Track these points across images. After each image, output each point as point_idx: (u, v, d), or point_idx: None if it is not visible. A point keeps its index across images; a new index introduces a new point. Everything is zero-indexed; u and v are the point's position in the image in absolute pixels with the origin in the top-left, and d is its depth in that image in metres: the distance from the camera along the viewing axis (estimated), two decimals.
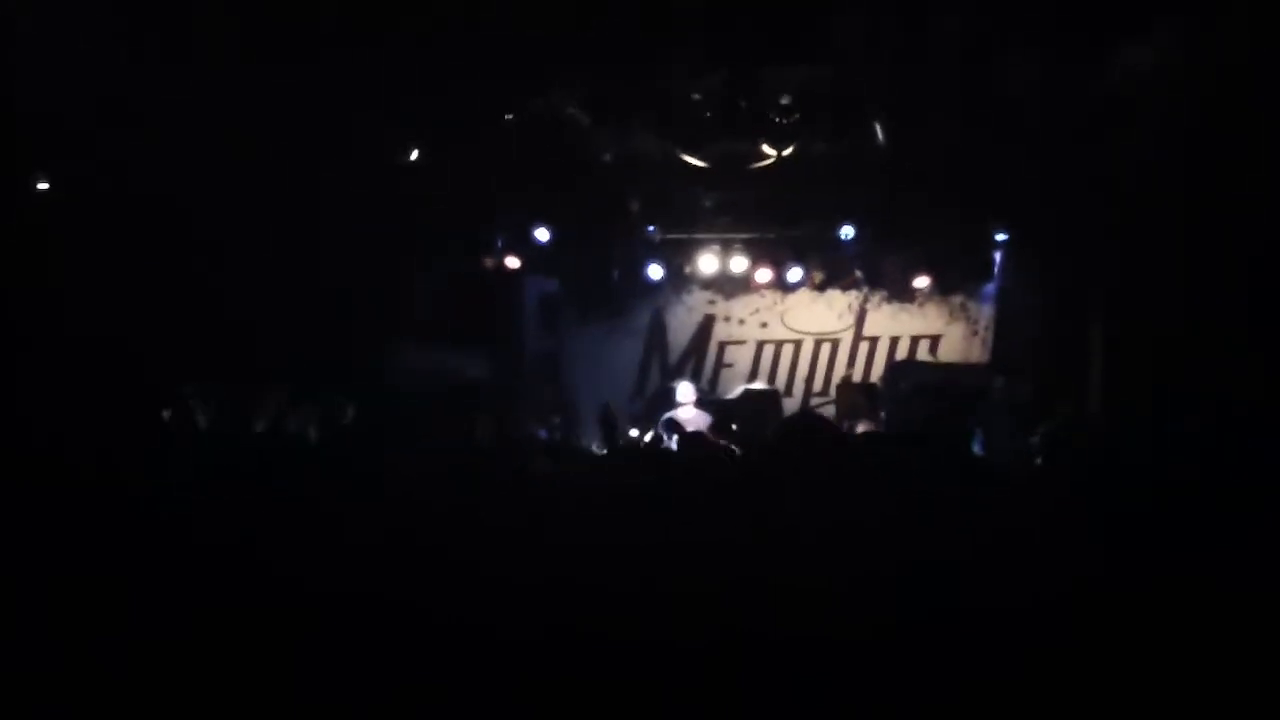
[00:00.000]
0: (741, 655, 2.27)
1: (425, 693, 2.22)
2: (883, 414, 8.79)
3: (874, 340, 10.65)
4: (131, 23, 5.68)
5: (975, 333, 10.44)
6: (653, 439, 8.17)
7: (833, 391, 10.39)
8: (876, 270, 10.35)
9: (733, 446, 6.87)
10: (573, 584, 2.41)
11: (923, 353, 10.51)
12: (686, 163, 8.12)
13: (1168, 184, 7.37)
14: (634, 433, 8.47)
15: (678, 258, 10.39)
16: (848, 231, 9.68)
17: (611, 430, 7.98)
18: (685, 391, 8.88)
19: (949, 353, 10.43)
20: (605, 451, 7.69)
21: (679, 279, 10.60)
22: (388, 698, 2.21)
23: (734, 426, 8.43)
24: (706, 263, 10.26)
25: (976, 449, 7.00)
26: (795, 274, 10.28)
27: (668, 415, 8.51)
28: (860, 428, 8.06)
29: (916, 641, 2.32)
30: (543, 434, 8.58)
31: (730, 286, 10.67)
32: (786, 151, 7.68)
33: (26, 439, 3.45)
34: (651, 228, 10.07)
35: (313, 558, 2.51)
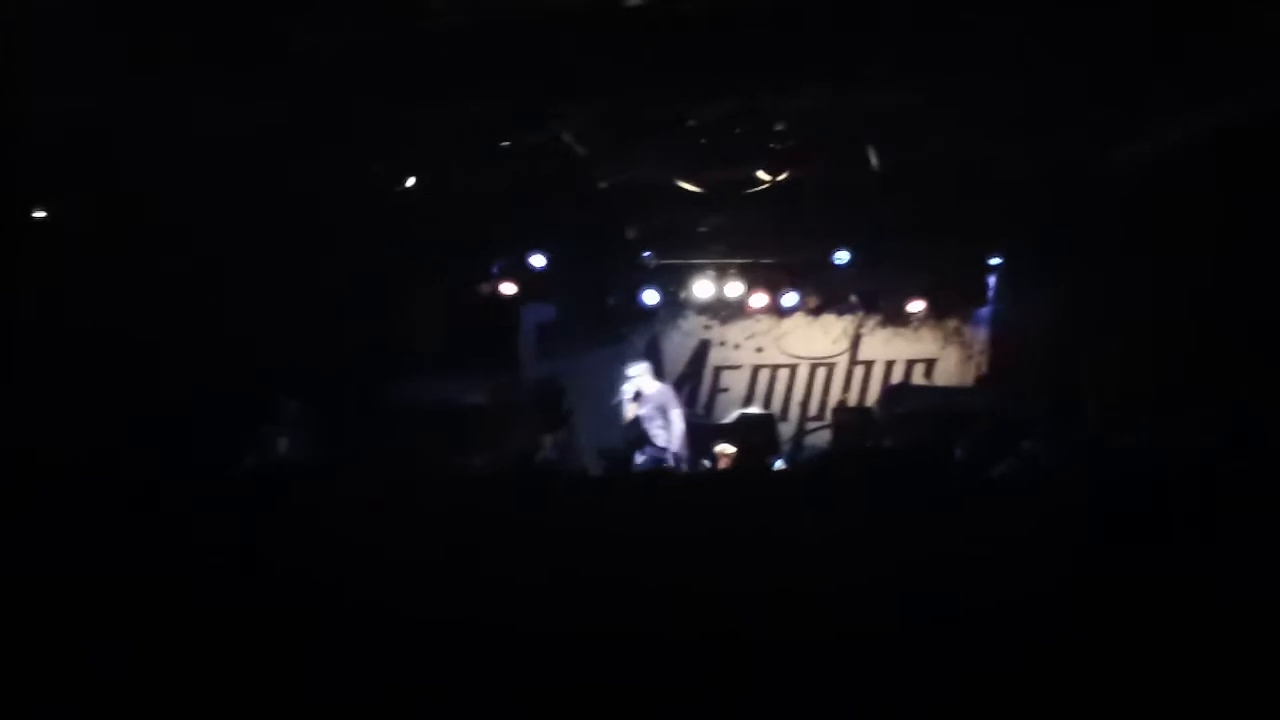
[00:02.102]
0: (730, 657, 2.28)
1: (425, 692, 2.22)
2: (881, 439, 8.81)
3: (869, 365, 10.68)
4: (118, 38, 5.69)
5: (970, 357, 10.46)
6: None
7: (829, 416, 10.41)
8: (871, 295, 10.40)
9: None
10: (573, 588, 2.42)
11: (918, 377, 10.53)
12: (682, 189, 8.15)
13: (1162, 205, 7.43)
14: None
15: (673, 283, 10.44)
16: (842, 257, 9.72)
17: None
18: (640, 367, 8.95)
19: (944, 376, 10.45)
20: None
21: (674, 304, 10.65)
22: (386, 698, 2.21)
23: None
24: (702, 288, 10.30)
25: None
26: (790, 299, 10.33)
27: (632, 388, 8.75)
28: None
29: (908, 644, 2.32)
30: (538, 458, 8.56)
31: (726, 311, 10.72)
32: (781, 177, 7.72)
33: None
34: (647, 253, 10.11)
35: (314, 566, 2.52)
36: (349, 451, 7.21)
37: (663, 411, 8.81)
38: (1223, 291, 7.44)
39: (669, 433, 8.71)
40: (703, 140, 7.40)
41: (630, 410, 8.70)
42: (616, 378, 10.58)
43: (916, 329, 10.56)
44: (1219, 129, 6.42)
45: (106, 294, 6.95)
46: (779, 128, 7.25)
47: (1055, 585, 2.69)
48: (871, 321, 10.63)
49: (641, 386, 8.82)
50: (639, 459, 8.44)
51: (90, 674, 2.25)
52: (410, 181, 8.26)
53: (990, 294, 10.16)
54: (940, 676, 2.31)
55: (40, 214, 7.32)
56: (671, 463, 8.47)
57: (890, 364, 10.64)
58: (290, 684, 2.24)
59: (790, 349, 10.80)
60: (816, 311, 10.55)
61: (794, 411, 10.72)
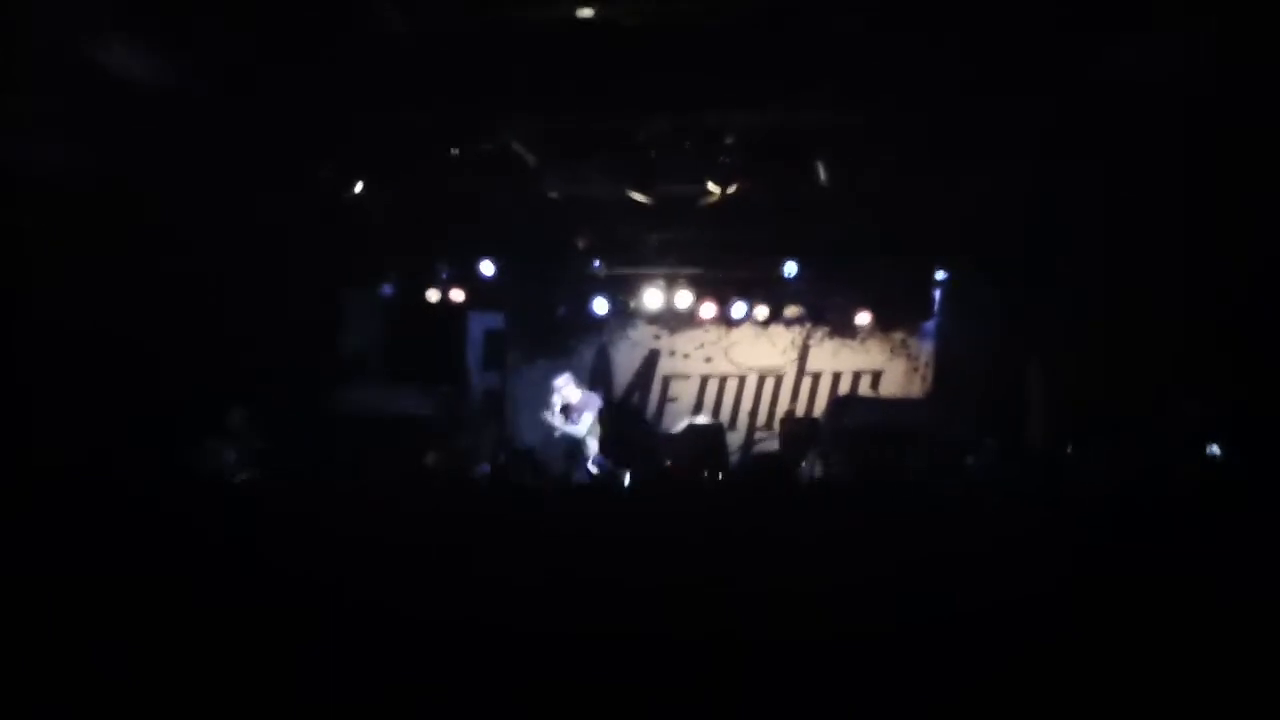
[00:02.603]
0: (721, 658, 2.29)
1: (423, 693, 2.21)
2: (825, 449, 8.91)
3: (817, 375, 10.78)
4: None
5: (916, 369, 10.61)
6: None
7: (776, 426, 10.49)
8: (819, 307, 10.51)
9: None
10: (568, 588, 2.42)
11: (864, 388, 10.66)
12: (632, 199, 8.18)
13: (1109, 216, 7.58)
14: (592, 469, 8.49)
15: (623, 293, 10.45)
16: (791, 268, 9.81)
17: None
18: (564, 379, 8.90)
19: (890, 388, 10.59)
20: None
21: (624, 314, 10.66)
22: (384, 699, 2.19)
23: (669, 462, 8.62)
24: (652, 298, 10.32)
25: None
26: (739, 309, 10.40)
27: (560, 400, 8.70)
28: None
29: (874, 651, 2.35)
30: (485, 469, 8.53)
31: (675, 321, 10.75)
32: (730, 190, 7.77)
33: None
34: (597, 263, 10.12)
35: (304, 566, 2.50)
36: (297, 460, 7.11)
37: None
38: (1168, 306, 7.62)
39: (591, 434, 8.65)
40: (652, 152, 7.43)
41: (559, 425, 8.64)
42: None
43: (863, 341, 10.69)
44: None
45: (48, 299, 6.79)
46: (728, 141, 7.31)
47: (1000, 597, 2.73)
48: (819, 333, 10.74)
49: (568, 398, 8.73)
50: (590, 468, 8.43)
51: (72, 673, 2.22)
52: (359, 187, 8.20)
53: (935, 307, 10.32)
54: (874, 693, 2.34)
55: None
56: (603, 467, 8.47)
57: (837, 375, 10.75)
58: (269, 682, 2.22)
59: (739, 359, 10.87)
60: (765, 323, 10.63)
61: (742, 421, 10.78)
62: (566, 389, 8.75)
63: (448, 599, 2.47)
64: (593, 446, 8.61)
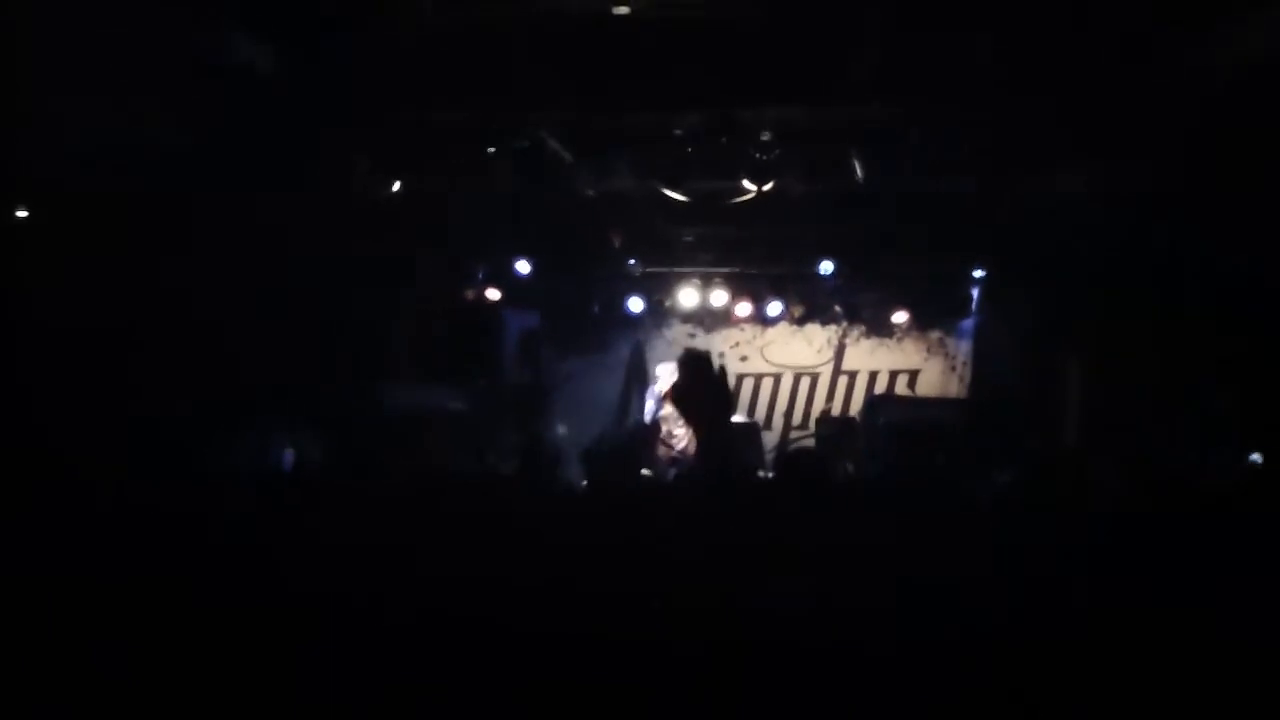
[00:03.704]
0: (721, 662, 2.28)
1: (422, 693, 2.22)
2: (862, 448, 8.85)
3: (853, 375, 10.72)
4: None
5: (953, 368, 10.52)
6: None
7: (812, 425, 10.44)
8: (855, 305, 10.45)
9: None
10: (568, 589, 2.41)
11: (901, 387, 10.58)
12: (668, 197, 8.16)
13: (1145, 216, 7.49)
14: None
15: (658, 291, 10.46)
16: (827, 267, 9.76)
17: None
18: (667, 368, 9.10)
19: (927, 388, 10.51)
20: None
21: (659, 312, 10.66)
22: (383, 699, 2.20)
23: None
24: (686, 296, 10.32)
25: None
26: (775, 308, 10.37)
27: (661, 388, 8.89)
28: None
29: (872, 663, 2.33)
30: (517, 466, 8.53)
31: (710, 320, 10.74)
32: (766, 187, 7.73)
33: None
34: (632, 261, 10.13)
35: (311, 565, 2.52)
36: (333, 459, 7.16)
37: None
38: (1209, 308, 7.51)
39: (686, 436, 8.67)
40: (688, 149, 7.41)
41: (650, 409, 8.80)
42: (601, 385, 10.61)
43: (900, 340, 10.62)
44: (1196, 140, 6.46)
45: (84, 300, 6.90)
46: (764, 137, 7.27)
47: (1034, 601, 2.69)
48: (855, 332, 10.68)
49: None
50: (658, 463, 8.47)
51: (87, 674, 2.25)
52: (395, 187, 8.25)
53: (973, 306, 10.23)
54: (899, 697, 2.32)
55: (26, 214, 7.27)
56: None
57: (874, 374, 10.68)
58: (278, 684, 2.24)
59: (774, 358, 10.84)
60: (801, 321, 10.59)
61: (778, 420, 10.75)
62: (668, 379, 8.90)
63: (465, 598, 2.47)
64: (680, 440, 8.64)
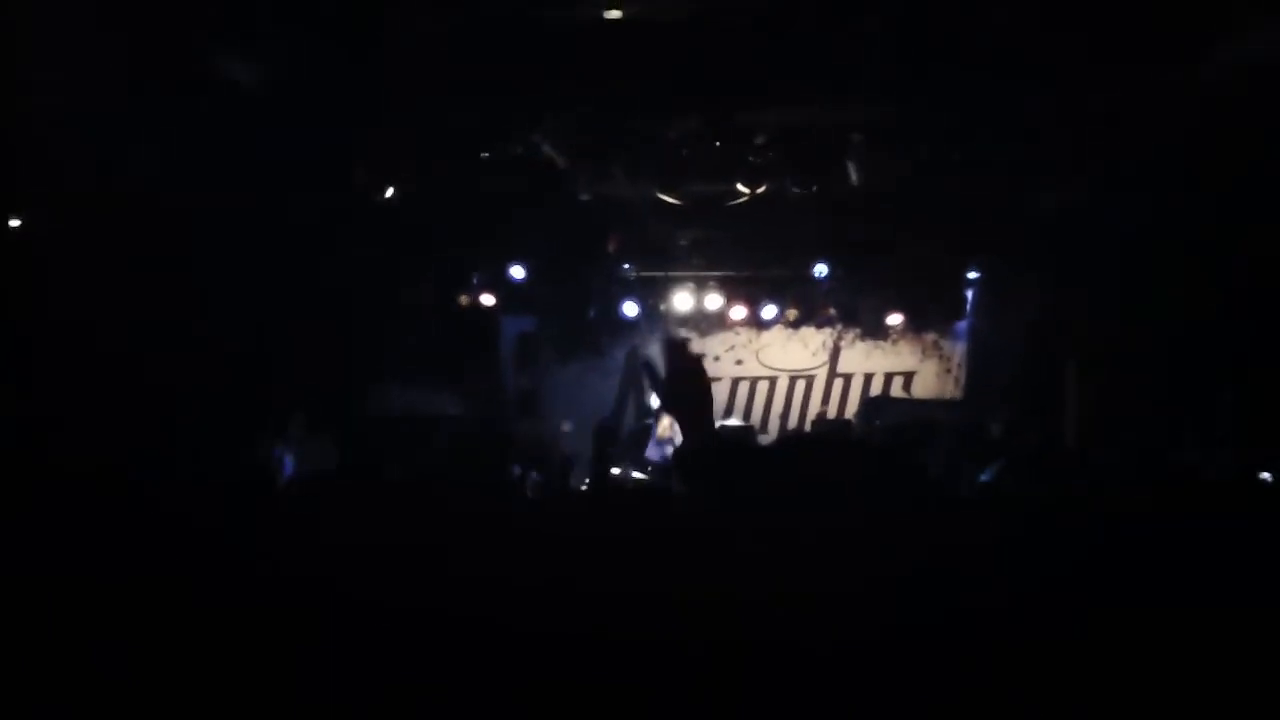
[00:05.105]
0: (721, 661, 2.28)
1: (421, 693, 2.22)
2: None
3: (848, 377, 10.74)
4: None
5: (948, 370, 10.53)
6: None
7: (808, 428, 10.44)
8: (850, 308, 10.46)
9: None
10: (568, 588, 2.42)
11: (896, 389, 10.60)
12: (662, 201, 8.18)
13: (1143, 216, 7.50)
14: (614, 470, 8.49)
15: (653, 295, 10.47)
16: (821, 270, 9.78)
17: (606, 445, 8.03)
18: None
19: (923, 389, 10.52)
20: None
21: (654, 316, 10.66)
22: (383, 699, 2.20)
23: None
24: (682, 300, 10.34)
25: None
26: (770, 311, 10.38)
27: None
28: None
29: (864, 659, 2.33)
30: (517, 470, 8.55)
31: (705, 324, 10.75)
32: (761, 190, 7.75)
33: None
34: (627, 265, 10.14)
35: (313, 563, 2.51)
36: (329, 462, 7.16)
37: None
38: (1205, 306, 7.52)
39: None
40: (682, 153, 7.43)
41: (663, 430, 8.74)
42: (596, 389, 10.61)
43: (895, 342, 10.64)
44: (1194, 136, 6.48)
45: (82, 301, 6.90)
46: (758, 141, 7.29)
47: (1033, 602, 2.69)
48: (850, 334, 10.70)
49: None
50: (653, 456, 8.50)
51: (87, 674, 2.25)
52: (390, 192, 8.25)
53: (968, 307, 10.25)
54: (900, 697, 2.32)
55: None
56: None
57: (869, 376, 10.70)
58: (280, 684, 2.24)
59: (770, 361, 10.85)
60: (796, 324, 10.60)
61: (774, 423, 10.75)
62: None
63: (462, 598, 2.47)
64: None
